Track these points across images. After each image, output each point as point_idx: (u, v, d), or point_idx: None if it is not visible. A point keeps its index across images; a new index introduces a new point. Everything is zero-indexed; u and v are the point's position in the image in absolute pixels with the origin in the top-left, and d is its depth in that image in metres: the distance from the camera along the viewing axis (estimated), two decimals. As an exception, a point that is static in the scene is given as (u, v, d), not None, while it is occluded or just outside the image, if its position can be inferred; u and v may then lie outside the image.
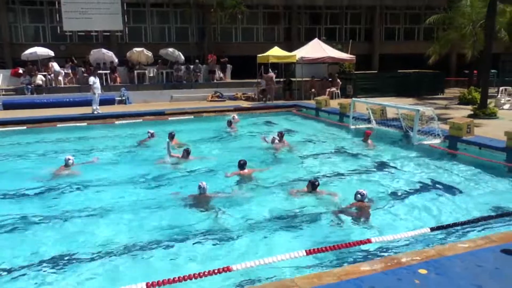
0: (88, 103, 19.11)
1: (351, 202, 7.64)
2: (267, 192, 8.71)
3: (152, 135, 13.44)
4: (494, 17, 16.86)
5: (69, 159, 10.16)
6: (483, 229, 6.48)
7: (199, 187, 7.94)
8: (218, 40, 32.04)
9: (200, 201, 7.91)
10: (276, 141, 12.55)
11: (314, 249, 5.13)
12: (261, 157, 11.60)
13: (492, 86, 22.00)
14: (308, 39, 27.77)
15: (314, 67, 24.80)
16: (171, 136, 12.52)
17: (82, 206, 7.95)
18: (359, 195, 7.63)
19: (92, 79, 18.12)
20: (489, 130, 13.36)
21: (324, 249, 5.19)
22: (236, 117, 16.96)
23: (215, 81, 25.64)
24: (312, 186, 8.29)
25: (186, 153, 10.96)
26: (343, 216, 7.32)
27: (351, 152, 12.30)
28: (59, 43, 28.34)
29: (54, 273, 5.67)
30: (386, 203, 7.99)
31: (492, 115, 16.19)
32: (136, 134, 14.46)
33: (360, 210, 7.51)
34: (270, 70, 22.98)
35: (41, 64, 23.38)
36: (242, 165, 9.51)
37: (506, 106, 19.22)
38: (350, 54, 25.21)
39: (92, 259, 5.96)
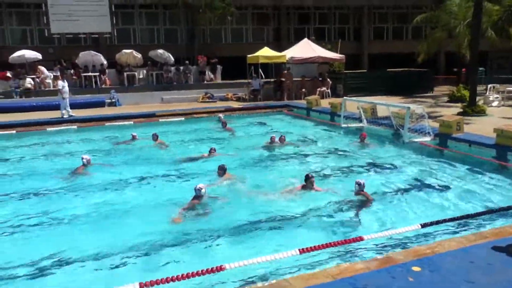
0: (77, 105, 19.03)
1: (355, 195, 7.78)
2: (258, 192, 8.67)
3: (134, 138, 13.64)
4: (480, 16, 17.02)
5: (83, 158, 10.45)
6: (474, 226, 6.53)
7: (197, 189, 7.77)
8: (207, 41, 31.99)
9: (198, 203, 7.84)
10: (276, 140, 12.65)
11: (307, 248, 5.14)
12: (255, 157, 11.63)
13: (480, 84, 22.20)
14: (298, 39, 27.83)
15: (304, 67, 24.86)
16: (156, 137, 13.16)
17: (86, 208, 8.06)
18: (357, 186, 7.83)
19: (61, 83, 17.91)
20: (479, 127, 13.48)
21: (317, 247, 5.20)
22: (222, 117, 16.89)
23: (205, 82, 25.59)
24: (307, 179, 8.34)
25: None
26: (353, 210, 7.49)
27: (343, 151, 12.34)
28: (47, 45, 28.08)
29: (53, 273, 5.69)
30: (377, 201, 8.01)
31: (481, 113, 16.33)
32: (126, 136, 14.36)
33: (365, 198, 7.73)
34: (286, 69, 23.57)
35: (29, 67, 23.15)
36: (221, 169, 9.31)
37: (495, 103, 19.40)
38: (339, 53, 25.31)
39: (83, 262, 5.92)
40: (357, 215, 7.31)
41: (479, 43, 17.43)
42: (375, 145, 12.85)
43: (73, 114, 17.78)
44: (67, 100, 17.82)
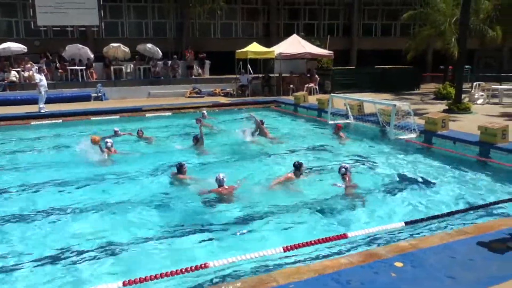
0: (64, 99, 18.80)
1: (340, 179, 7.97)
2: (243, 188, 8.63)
3: (116, 133, 13.40)
4: (468, 13, 17.13)
5: (107, 142, 10.75)
6: (457, 222, 6.59)
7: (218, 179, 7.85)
8: (196, 35, 31.82)
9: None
10: (250, 135, 12.65)
11: (291, 246, 5.14)
12: (237, 153, 11.60)
13: (466, 82, 22.41)
14: (287, 34, 27.83)
15: (293, 63, 24.87)
16: (141, 132, 13.26)
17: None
18: (343, 169, 8.07)
19: (38, 77, 17.44)
20: (463, 124, 13.62)
21: (300, 245, 5.21)
22: (206, 113, 16.75)
23: (193, 77, 25.48)
24: (298, 167, 8.49)
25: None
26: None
27: (329, 148, 12.37)
28: (33, 38, 27.71)
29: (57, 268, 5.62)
30: (362, 197, 8.05)
31: (466, 110, 16.50)
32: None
33: (348, 184, 7.96)
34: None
35: (14, 60, 22.81)
36: (178, 168, 8.81)
37: (480, 101, 19.62)
38: (328, 49, 25.35)
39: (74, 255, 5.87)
40: (342, 210, 7.33)
41: (467, 41, 17.56)
42: (359, 141, 13.00)
43: (46, 110, 17.32)
44: (44, 94, 17.23)
